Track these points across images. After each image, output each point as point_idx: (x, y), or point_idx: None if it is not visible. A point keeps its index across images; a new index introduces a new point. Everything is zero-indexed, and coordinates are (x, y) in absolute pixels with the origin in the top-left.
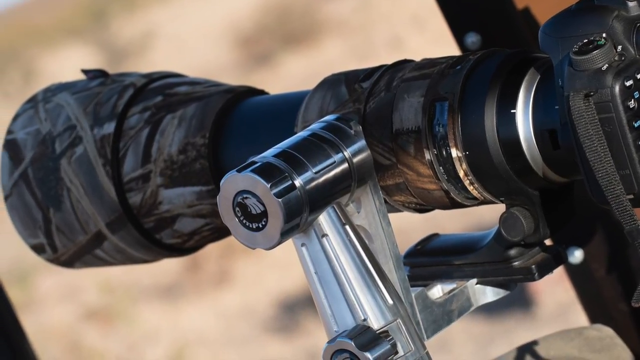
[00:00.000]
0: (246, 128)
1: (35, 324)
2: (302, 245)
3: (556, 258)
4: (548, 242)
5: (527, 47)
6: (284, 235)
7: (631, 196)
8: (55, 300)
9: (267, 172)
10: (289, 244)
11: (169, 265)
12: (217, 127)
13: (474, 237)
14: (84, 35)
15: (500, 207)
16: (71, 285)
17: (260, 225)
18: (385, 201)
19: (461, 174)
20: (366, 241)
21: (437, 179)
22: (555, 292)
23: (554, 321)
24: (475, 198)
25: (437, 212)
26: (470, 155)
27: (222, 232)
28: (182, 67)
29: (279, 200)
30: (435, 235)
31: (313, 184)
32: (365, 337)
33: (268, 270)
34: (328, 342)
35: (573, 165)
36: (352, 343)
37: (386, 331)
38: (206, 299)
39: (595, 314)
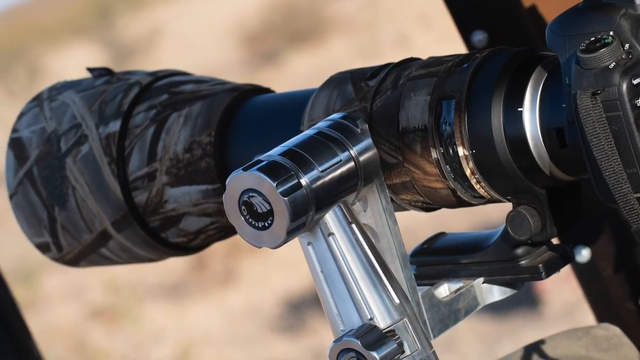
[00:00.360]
0: (252, 126)
1: (40, 323)
2: (308, 244)
3: (563, 257)
4: (555, 240)
5: (534, 45)
6: (290, 234)
7: (638, 195)
8: (61, 299)
9: (273, 170)
10: (295, 242)
11: (175, 264)
12: (223, 126)
13: (480, 235)
14: (89, 33)
15: (507, 206)
16: (76, 284)
17: (266, 224)
18: (392, 200)
19: (468, 172)
20: (372, 240)
21: (444, 177)
22: (562, 291)
23: (560, 320)
24: (482, 197)
25: (443, 211)
26: (477, 154)
27: (227, 231)
28: (188, 65)
29: (285, 198)
30: (441, 234)
31: (319, 182)
32: (372, 336)
33: (274, 269)
34: (334, 341)
35: (580, 163)
36: (359, 342)
37: (392, 330)
38: (212, 298)
39: (603, 313)
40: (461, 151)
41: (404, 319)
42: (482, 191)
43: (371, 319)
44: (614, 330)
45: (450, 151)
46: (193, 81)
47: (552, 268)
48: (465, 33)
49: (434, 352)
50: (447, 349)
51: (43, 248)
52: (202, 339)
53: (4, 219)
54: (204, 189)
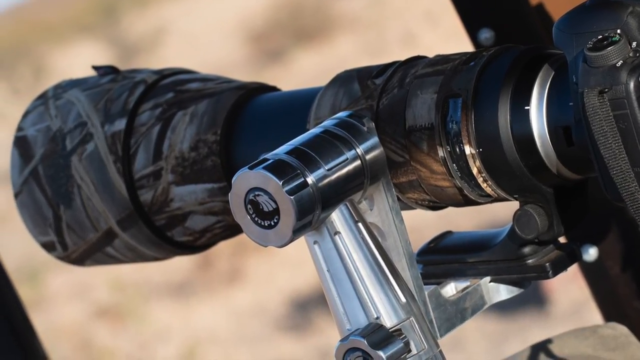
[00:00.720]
0: (258, 125)
1: (45, 322)
2: (315, 242)
3: (570, 256)
4: (562, 239)
5: (541, 43)
6: (296, 232)
7: None
8: (66, 298)
9: (279, 169)
10: (301, 241)
11: (181, 263)
12: (229, 124)
13: (487, 234)
14: (94, 32)
15: (514, 205)
16: (82, 283)
17: (272, 223)
18: (398, 198)
19: (474, 171)
20: (379, 239)
21: (451, 176)
22: (569, 290)
23: (568, 319)
24: (488, 195)
25: (450, 210)
26: (484, 152)
27: (233, 230)
28: (194, 64)
29: (291, 197)
30: (448, 232)
31: (325, 181)
32: (378, 335)
33: (280, 268)
34: (340, 341)
35: (587, 162)
36: (365, 341)
37: (399, 329)
38: (218, 297)
39: (610, 312)
40: (468, 149)
41: (411, 318)
42: (488, 190)
43: (377, 318)
44: (622, 330)
45: (457, 149)
46: (199, 79)
47: (559, 267)
48: (472, 31)
49: (440, 352)
50: (454, 348)
51: (48, 247)
52: (208, 338)
53: (9, 218)
54: (209, 188)
